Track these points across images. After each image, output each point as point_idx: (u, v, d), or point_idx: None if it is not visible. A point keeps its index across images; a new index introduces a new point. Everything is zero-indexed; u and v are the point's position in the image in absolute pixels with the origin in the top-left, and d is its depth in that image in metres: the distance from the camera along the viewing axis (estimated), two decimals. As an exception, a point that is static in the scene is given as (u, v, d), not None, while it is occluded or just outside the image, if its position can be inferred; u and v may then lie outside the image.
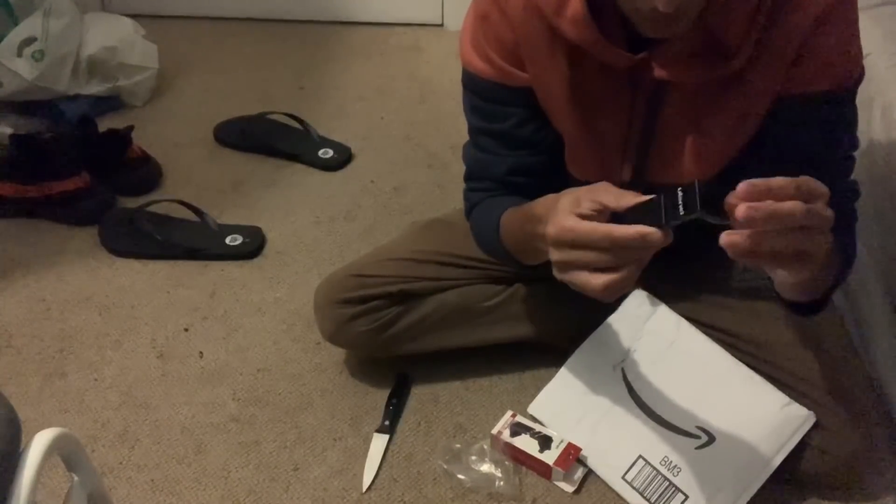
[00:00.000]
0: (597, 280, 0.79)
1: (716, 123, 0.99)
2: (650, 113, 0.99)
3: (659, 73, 0.93)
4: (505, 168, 1.07)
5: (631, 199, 0.79)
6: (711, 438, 1.10)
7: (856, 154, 1.02)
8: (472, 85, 1.06)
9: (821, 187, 0.71)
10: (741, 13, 0.88)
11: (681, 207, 0.73)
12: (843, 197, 1.02)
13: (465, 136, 1.12)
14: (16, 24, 1.81)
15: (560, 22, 0.92)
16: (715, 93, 0.96)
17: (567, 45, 0.95)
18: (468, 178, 1.13)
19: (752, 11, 0.88)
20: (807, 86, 0.94)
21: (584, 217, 0.80)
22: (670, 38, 0.89)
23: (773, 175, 1.00)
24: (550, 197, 0.90)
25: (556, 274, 0.83)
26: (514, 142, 1.06)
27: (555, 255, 0.82)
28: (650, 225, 0.75)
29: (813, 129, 0.97)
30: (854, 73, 0.96)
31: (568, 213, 0.81)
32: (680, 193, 0.74)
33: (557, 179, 1.11)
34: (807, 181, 0.70)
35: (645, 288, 1.20)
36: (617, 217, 0.80)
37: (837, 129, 0.99)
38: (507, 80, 1.02)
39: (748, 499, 1.07)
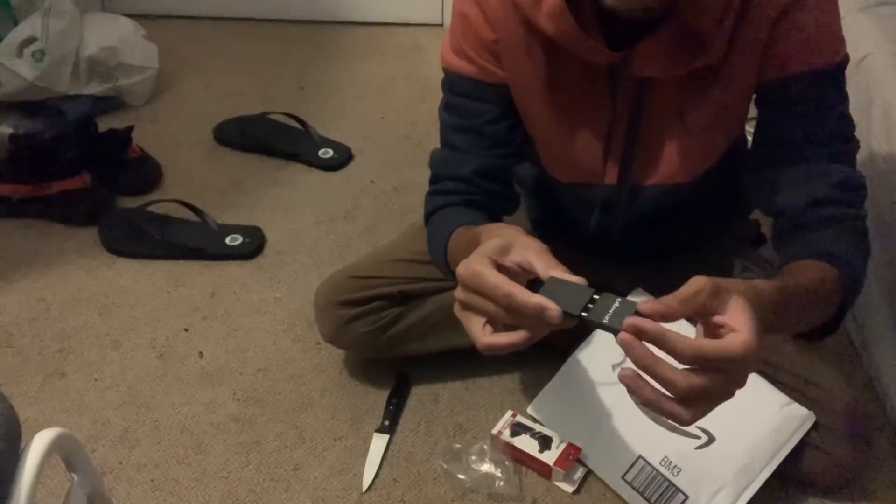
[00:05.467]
0: (484, 337, 0.75)
1: (700, 119, 0.98)
2: (633, 112, 0.99)
3: (638, 70, 0.93)
4: (472, 167, 1.05)
5: (560, 272, 0.72)
6: (711, 438, 1.10)
7: (855, 138, 0.98)
8: (450, 84, 1.06)
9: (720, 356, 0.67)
10: (714, 1, 0.87)
11: (607, 315, 0.67)
12: (847, 194, 0.96)
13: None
14: (16, 24, 1.81)
15: (537, 15, 0.92)
16: (696, 87, 0.96)
17: (545, 42, 0.95)
18: (432, 181, 1.12)
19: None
20: (788, 67, 0.93)
21: (502, 269, 0.74)
22: (639, 15, 0.88)
23: (768, 176, 0.98)
24: (497, 227, 0.86)
25: (455, 309, 0.79)
26: (486, 139, 1.05)
27: (459, 293, 0.77)
28: (561, 306, 0.68)
29: (801, 113, 0.94)
30: (839, 51, 0.94)
31: (486, 258, 0.74)
32: (616, 303, 0.67)
33: (543, 182, 1.11)
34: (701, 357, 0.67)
35: (644, 287, 1.20)
36: (537, 283, 0.73)
37: (828, 113, 0.95)
38: (484, 77, 1.03)
39: (748, 499, 1.07)
